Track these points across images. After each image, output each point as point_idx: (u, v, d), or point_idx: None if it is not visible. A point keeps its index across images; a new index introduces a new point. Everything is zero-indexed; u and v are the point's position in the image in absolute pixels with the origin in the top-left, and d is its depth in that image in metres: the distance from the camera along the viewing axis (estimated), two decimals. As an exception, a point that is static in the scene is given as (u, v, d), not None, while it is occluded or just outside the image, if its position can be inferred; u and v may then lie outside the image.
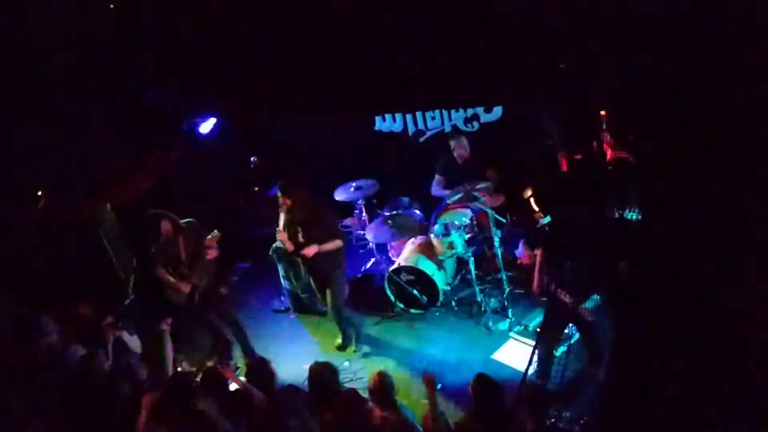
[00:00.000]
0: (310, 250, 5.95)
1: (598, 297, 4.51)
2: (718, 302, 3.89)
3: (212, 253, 6.19)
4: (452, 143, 7.05)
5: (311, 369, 4.64)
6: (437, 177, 7.23)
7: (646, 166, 4.68)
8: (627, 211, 5.18)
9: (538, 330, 5.27)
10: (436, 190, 7.25)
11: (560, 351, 4.66)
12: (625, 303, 4.06)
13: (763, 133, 3.94)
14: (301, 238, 6.03)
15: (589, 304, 4.52)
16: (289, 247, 6.11)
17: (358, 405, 4.44)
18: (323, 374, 4.57)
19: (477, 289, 6.71)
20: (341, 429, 4.20)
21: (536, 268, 5.38)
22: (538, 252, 5.36)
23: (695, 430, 3.68)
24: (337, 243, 6.04)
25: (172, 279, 6.01)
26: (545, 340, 4.73)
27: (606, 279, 4.31)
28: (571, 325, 4.82)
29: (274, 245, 6.80)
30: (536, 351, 4.71)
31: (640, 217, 5.06)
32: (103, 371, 4.93)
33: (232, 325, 6.60)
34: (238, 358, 6.47)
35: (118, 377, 4.92)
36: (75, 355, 5.26)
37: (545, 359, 4.64)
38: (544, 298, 5.47)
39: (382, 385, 4.38)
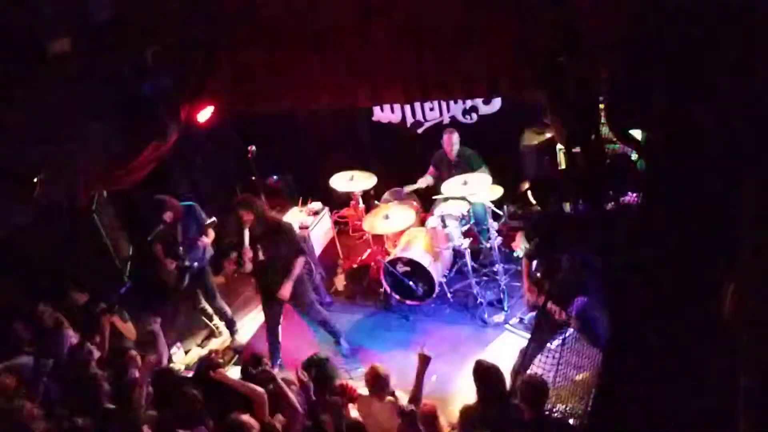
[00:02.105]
0: (286, 290, 5.74)
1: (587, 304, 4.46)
2: (718, 301, 3.87)
3: (205, 241, 6.38)
4: (443, 138, 7.04)
5: (305, 361, 4.67)
6: (430, 169, 7.27)
7: (645, 159, 4.68)
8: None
9: (531, 334, 5.22)
10: (421, 181, 7.28)
11: (555, 344, 4.67)
12: (621, 302, 4.05)
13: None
14: (261, 256, 5.78)
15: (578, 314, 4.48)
16: (248, 267, 5.81)
17: (352, 395, 4.46)
18: (318, 365, 4.60)
19: (473, 281, 6.72)
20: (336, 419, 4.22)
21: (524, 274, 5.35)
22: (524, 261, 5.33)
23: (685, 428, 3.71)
24: (300, 261, 5.82)
25: (162, 255, 6.29)
26: (534, 345, 4.76)
27: (605, 278, 4.29)
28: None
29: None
30: (528, 347, 4.73)
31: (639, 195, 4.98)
32: (91, 359, 4.94)
33: (220, 314, 6.65)
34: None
35: (109, 364, 4.92)
36: (68, 343, 5.29)
37: (527, 361, 4.64)
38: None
39: (378, 377, 4.43)
